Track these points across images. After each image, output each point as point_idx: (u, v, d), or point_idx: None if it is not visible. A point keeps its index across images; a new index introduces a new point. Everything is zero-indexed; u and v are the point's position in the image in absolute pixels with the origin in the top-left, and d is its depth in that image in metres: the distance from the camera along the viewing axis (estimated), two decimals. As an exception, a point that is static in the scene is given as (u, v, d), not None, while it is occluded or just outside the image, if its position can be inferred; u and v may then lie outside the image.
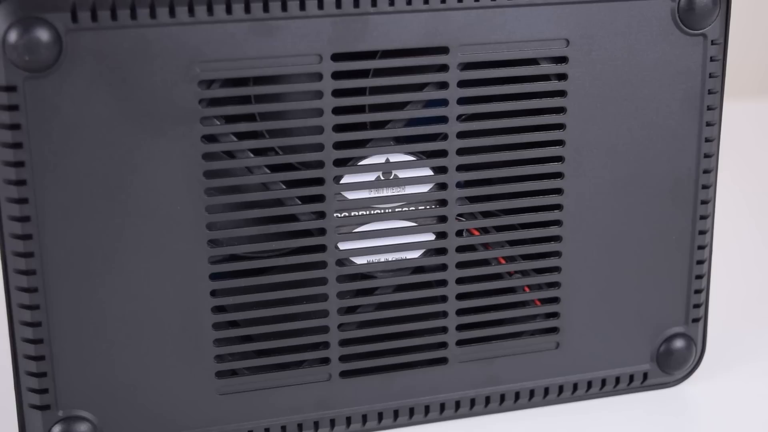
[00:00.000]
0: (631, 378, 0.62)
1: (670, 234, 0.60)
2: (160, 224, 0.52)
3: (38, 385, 0.53)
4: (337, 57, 0.53)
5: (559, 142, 0.57)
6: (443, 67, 0.54)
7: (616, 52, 0.56)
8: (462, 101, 0.55)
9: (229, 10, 0.51)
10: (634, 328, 0.61)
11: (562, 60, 0.56)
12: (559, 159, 0.57)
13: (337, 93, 0.53)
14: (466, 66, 0.55)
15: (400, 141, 0.56)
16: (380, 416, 0.58)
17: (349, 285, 0.56)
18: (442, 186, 0.56)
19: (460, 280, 0.58)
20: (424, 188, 0.56)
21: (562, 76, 0.56)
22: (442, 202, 0.57)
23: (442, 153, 0.56)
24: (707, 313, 0.62)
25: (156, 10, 0.50)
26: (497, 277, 0.59)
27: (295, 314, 0.56)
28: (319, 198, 0.55)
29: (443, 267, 0.57)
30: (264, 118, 0.53)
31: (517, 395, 0.60)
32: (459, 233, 0.57)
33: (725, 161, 0.72)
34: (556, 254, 0.59)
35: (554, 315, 0.60)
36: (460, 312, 0.58)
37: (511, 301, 0.59)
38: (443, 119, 0.55)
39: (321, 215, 0.55)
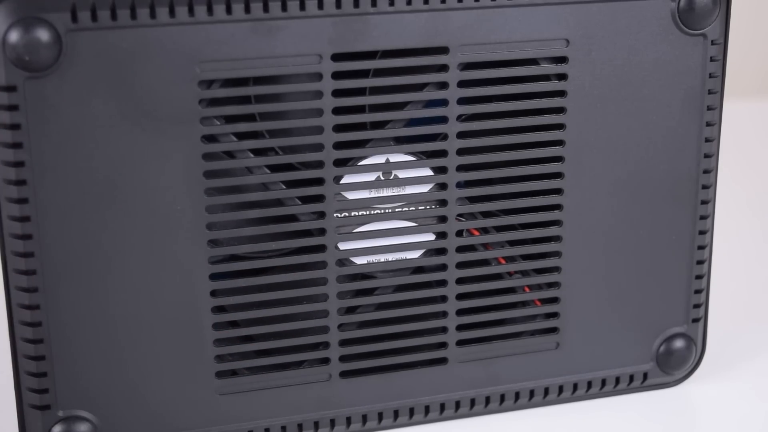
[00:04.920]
0: (631, 378, 0.62)
1: (670, 234, 0.60)
2: (160, 224, 0.52)
3: (38, 385, 0.53)
4: (337, 57, 0.53)
5: (559, 142, 0.57)
6: (443, 67, 0.54)
7: (616, 52, 0.56)
8: (462, 101, 0.55)
9: (229, 10, 0.51)
10: (633, 328, 0.61)
11: (562, 60, 0.56)
12: (559, 159, 0.57)
13: (337, 93, 0.53)
14: (466, 66, 0.55)
15: (400, 141, 0.56)
16: (380, 416, 0.58)
17: (349, 285, 0.56)
18: (442, 186, 0.56)
19: (460, 280, 0.58)
20: (424, 188, 0.56)
21: (562, 76, 0.56)
22: (442, 202, 0.57)
23: (442, 153, 0.56)
24: (707, 313, 0.62)
25: (156, 10, 0.50)
26: (497, 277, 0.59)
27: (295, 314, 0.56)
28: (319, 198, 0.55)
29: (443, 267, 0.57)
30: (264, 118, 0.53)
31: (517, 395, 0.60)
32: (459, 233, 0.57)
33: (726, 161, 0.72)
34: (556, 254, 0.59)
35: (554, 315, 0.60)
36: (460, 312, 0.58)
37: (511, 301, 0.59)
38: (443, 119, 0.55)
39: (321, 215, 0.55)
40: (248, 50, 0.51)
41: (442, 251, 0.57)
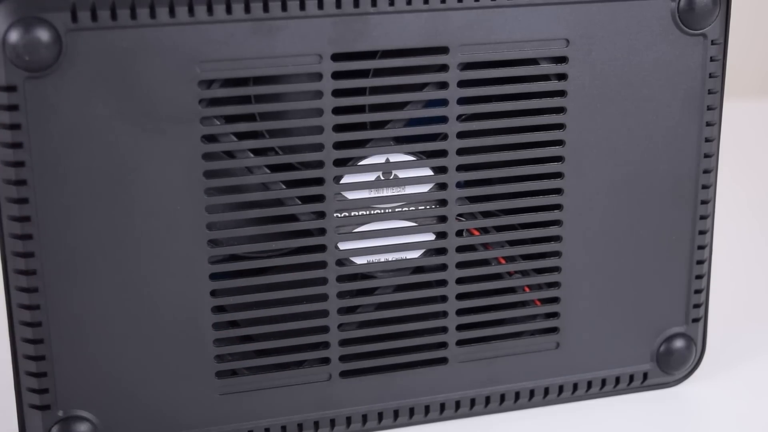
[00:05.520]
0: (631, 378, 0.62)
1: (670, 234, 0.60)
2: (160, 224, 0.52)
3: (38, 385, 0.53)
4: (337, 57, 0.53)
5: (559, 142, 0.57)
6: (443, 67, 0.54)
7: (616, 52, 0.56)
8: (462, 101, 0.55)
9: (229, 10, 0.51)
10: (634, 328, 0.61)
11: (562, 60, 0.56)
12: (559, 159, 0.57)
13: (337, 93, 0.53)
14: (466, 66, 0.55)
15: (400, 141, 0.56)
16: (380, 416, 0.58)
17: (349, 285, 0.56)
18: (442, 186, 0.56)
19: (460, 280, 0.58)
20: (424, 188, 0.56)
21: (562, 76, 0.56)
22: (442, 202, 0.57)
23: (442, 153, 0.56)
24: (707, 312, 0.62)
25: (156, 10, 0.50)
26: (497, 277, 0.59)
27: (295, 314, 0.56)
28: (319, 198, 0.55)
29: (443, 267, 0.57)
30: (264, 118, 0.53)
31: (517, 395, 0.60)
32: (459, 233, 0.57)
33: (726, 161, 0.72)
34: (556, 254, 0.59)
35: (554, 315, 0.60)
36: (460, 312, 0.58)
37: (511, 301, 0.59)
38: (443, 119, 0.55)
39: (321, 215, 0.55)
40: (248, 50, 0.51)
41: (442, 251, 0.57)
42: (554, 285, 0.59)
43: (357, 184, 0.55)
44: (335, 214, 0.55)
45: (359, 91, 0.54)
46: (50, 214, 0.51)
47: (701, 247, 0.60)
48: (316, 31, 0.52)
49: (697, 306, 0.61)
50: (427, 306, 0.58)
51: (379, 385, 0.58)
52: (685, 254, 0.60)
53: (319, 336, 0.56)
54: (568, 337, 0.60)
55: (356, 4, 0.52)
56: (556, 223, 0.58)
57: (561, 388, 0.61)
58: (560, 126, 0.57)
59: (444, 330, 0.58)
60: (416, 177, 0.56)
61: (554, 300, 0.59)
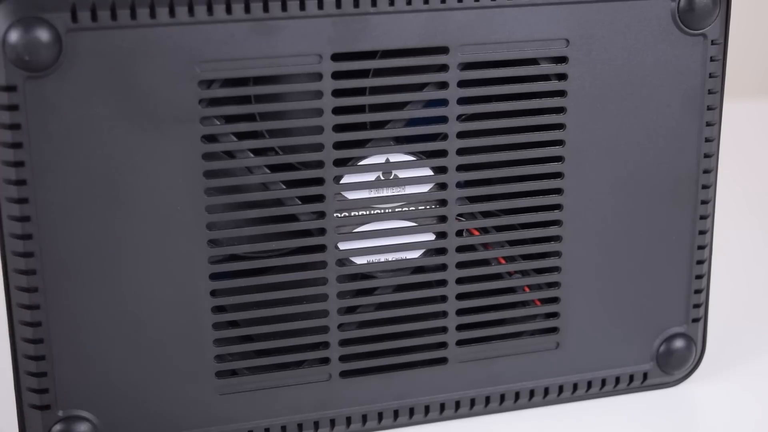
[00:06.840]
0: (631, 378, 0.62)
1: (670, 234, 0.60)
2: (160, 224, 0.52)
3: (38, 385, 0.53)
4: (337, 57, 0.53)
5: (559, 142, 0.57)
6: (443, 67, 0.54)
7: (616, 52, 0.56)
8: (462, 101, 0.55)
9: (229, 10, 0.51)
10: (633, 328, 0.61)
11: (562, 60, 0.56)
12: (559, 159, 0.57)
13: (337, 93, 0.53)
14: (466, 66, 0.55)
15: (400, 141, 0.56)
16: (380, 416, 0.58)
17: (349, 285, 0.56)
18: (442, 186, 0.56)
19: (460, 280, 0.58)
20: (424, 188, 0.56)
21: (562, 76, 0.56)
22: (442, 202, 0.57)
23: (442, 153, 0.56)
24: (707, 313, 0.62)
25: (156, 10, 0.50)
26: (497, 277, 0.59)
27: (295, 314, 0.56)
28: (319, 198, 0.55)
29: (443, 267, 0.57)
30: (264, 118, 0.53)
31: (517, 395, 0.60)
32: (459, 233, 0.57)
33: (726, 161, 0.72)
34: (556, 254, 0.59)
35: (554, 315, 0.60)
36: (460, 312, 0.58)
37: (511, 301, 0.59)
38: (443, 119, 0.55)
39: (321, 215, 0.55)
40: (248, 50, 0.51)
41: (442, 251, 0.57)
42: (554, 285, 0.59)
43: (357, 184, 0.55)
44: (335, 214, 0.55)
45: (359, 91, 0.54)
46: (50, 214, 0.51)
47: (701, 247, 0.60)
48: (316, 31, 0.52)
49: (697, 306, 0.61)
50: (427, 306, 0.58)
51: (379, 385, 0.58)
52: (685, 254, 0.60)
53: (319, 336, 0.56)
54: (568, 337, 0.60)
55: (356, 4, 0.52)
56: (556, 223, 0.58)
57: (561, 388, 0.61)
58: (560, 126, 0.57)
59: (444, 330, 0.58)
60: (416, 177, 0.56)
61: (554, 300, 0.59)
